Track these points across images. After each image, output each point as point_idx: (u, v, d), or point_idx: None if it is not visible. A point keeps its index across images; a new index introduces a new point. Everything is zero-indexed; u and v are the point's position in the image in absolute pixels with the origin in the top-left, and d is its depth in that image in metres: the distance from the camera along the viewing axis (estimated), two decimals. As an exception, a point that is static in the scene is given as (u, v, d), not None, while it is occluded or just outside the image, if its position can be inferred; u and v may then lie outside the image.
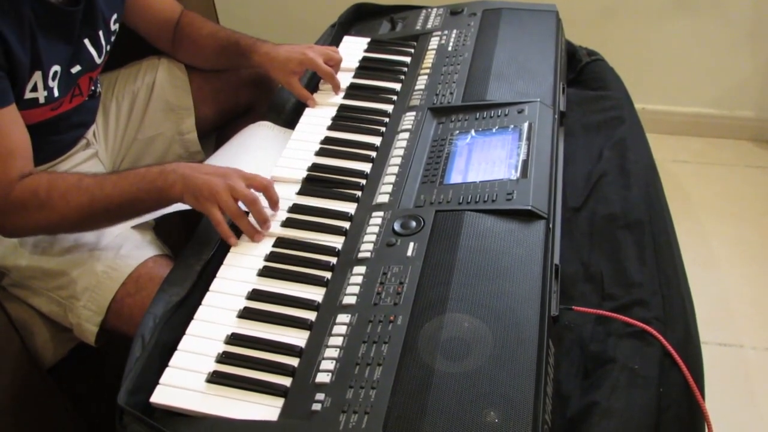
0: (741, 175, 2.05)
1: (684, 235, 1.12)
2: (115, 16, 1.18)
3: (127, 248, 1.10)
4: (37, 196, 0.98)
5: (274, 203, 1.03)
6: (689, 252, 1.07)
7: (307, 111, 1.25)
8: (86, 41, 1.12)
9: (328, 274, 0.94)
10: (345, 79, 1.32)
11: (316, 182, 1.09)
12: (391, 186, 1.05)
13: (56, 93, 1.08)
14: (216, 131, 1.48)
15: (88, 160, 1.26)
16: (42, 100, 1.06)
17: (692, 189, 2.00)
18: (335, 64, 1.30)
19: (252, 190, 0.99)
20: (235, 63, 1.33)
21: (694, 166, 2.08)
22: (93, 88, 1.22)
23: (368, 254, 0.94)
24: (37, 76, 1.04)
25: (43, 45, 1.02)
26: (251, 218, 1.00)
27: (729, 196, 1.98)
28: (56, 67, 1.07)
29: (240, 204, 0.98)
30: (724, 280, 1.73)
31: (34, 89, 1.04)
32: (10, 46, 0.96)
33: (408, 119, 1.19)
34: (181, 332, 0.88)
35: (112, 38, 1.19)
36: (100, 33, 1.14)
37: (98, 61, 1.16)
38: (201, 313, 0.91)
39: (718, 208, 1.93)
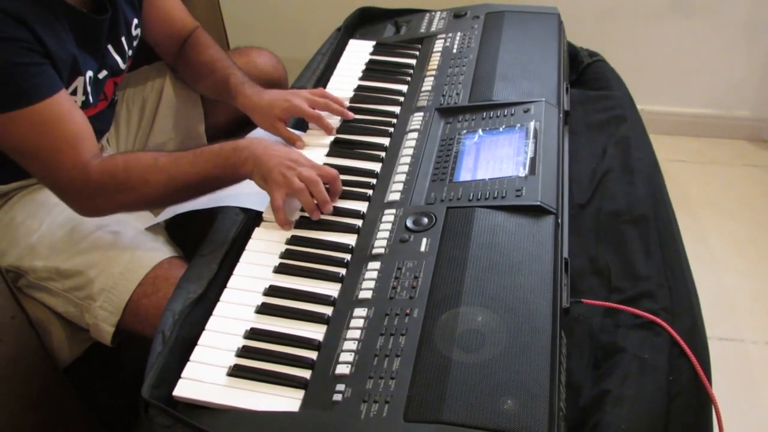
0: (738, 174, 2.09)
1: (683, 233, 1.13)
2: (135, 21, 1.20)
3: (143, 249, 1.11)
4: (115, 178, 1.00)
5: (336, 193, 1.05)
6: (688, 249, 1.09)
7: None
8: (110, 47, 1.14)
9: (342, 270, 0.96)
10: (352, 81, 1.34)
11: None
12: (402, 184, 1.07)
13: (91, 99, 1.11)
14: (226, 137, 1.49)
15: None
16: (79, 104, 1.09)
17: (690, 188, 2.03)
18: (323, 105, 1.23)
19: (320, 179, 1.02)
20: (224, 99, 1.30)
21: (692, 166, 2.12)
22: (113, 95, 1.24)
23: (382, 250, 0.96)
24: (80, 81, 1.07)
25: (78, 53, 1.05)
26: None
27: (726, 194, 2.02)
28: (90, 73, 1.10)
29: None
30: (723, 276, 1.76)
31: (74, 93, 1.07)
32: (49, 49, 0.99)
33: (416, 120, 1.21)
34: (200, 328, 0.90)
35: (135, 43, 1.22)
36: (123, 39, 1.17)
37: (122, 66, 1.18)
38: (219, 309, 0.93)
39: (716, 206, 1.96)
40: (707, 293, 1.69)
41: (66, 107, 1.00)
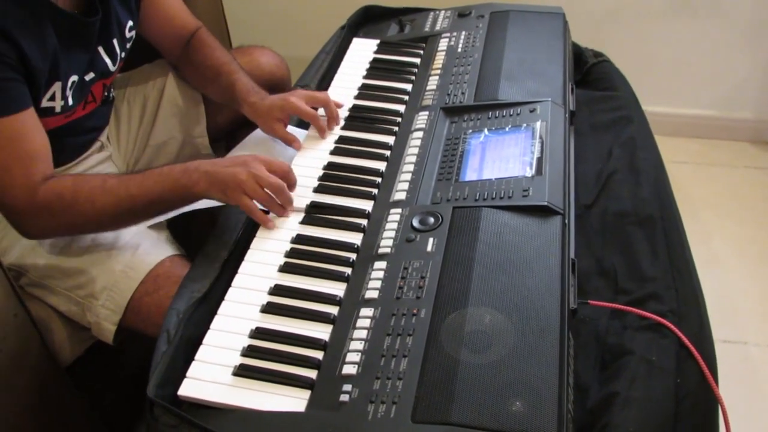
0: (739, 176, 2.08)
1: (685, 235, 1.13)
2: (130, 23, 1.18)
3: (144, 247, 1.11)
4: (62, 199, 0.99)
5: (292, 185, 1.05)
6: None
7: (321, 110, 1.26)
8: (100, 49, 1.13)
9: (348, 270, 0.95)
10: (356, 80, 1.34)
11: (332, 180, 1.11)
12: (408, 183, 1.07)
13: (71, 101, 1.09)
14: (226, 136, 1.49)
15: (102, 162, 1.27)
16: (58, 109, 1.08)
17: (692, 189, 2.03)
18: (321, 103, 1.22)
19: (274, 176, 1.01)
20: (230, 105, 1.29)
21: (694, 167, 2.11)
22: (106, 93, 1.23)
23: (388, 250, 0.96)
24: (57, 86, 1.05)
25: (63, 57, 1.04)
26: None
27: (728, 196, 2.01)
28: (74, 77, 1.08)
29: None
30: (726, 279, 1.76)
31: (52, 98, 1.06)
32: (29, 58, 0.97)
33: (421, 119, 1.21)
34: (204, 327, 0.90)
35: (128, 45, 1.20)
36: (115, 41, 1.15)
37: (112, 68, 1.16)
38: (224, 308, 0.92)
39: (717, 208, 1.96)
40: (710, 295, 1.68)
41: (27, 126, 0.98)
